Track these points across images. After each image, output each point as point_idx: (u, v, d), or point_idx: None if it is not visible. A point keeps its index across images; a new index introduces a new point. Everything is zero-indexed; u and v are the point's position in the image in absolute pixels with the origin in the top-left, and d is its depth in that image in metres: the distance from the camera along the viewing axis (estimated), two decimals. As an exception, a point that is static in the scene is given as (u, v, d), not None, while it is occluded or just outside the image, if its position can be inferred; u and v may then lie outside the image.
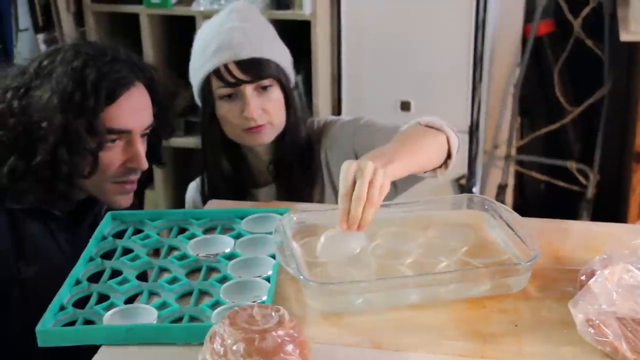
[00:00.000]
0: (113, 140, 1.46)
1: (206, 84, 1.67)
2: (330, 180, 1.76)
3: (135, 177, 1.52)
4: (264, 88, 1.66)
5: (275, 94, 1.68)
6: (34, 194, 1.44)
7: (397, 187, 1.71)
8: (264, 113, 1.66)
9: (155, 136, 1.58)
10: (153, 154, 1.60)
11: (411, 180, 1.64)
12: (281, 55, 1.71)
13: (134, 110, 1.47)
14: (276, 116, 1.68)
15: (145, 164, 1.50)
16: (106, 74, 1.43)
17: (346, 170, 1.25)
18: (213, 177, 1.77)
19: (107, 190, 1.50)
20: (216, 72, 1.64)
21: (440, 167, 1.51)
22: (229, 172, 1.75)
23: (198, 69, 1.68)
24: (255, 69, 1.64)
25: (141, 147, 1.49)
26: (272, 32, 1.73)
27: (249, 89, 1.64)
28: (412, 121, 1.53)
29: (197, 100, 1.74)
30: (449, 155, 1.50)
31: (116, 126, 1.45)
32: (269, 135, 1.69)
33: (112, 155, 1.47)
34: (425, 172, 1.51)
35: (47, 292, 1.38)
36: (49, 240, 1.49)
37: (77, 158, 1.43)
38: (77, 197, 1.54)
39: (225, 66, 1.63)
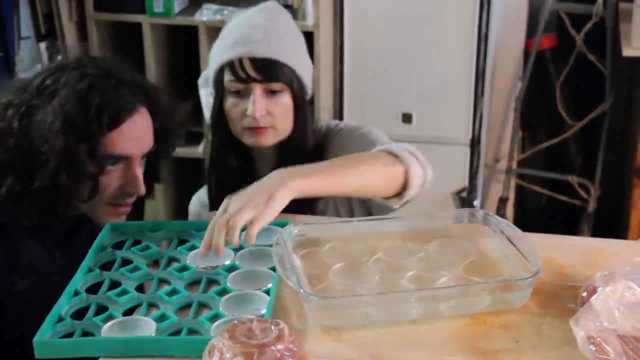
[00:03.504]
0: (113, 164, 1.45)
1: (219, 74, 1.66)
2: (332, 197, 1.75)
3: (131, 200, 1.50)
4: (274, 92, 1.65)
5: (285, 100, 1.66)
6: (30, 216, 1.42)
7: (382, 209, 1.70)
8: (268, 115, 1.64)
9: (154, 155, 1.57)
10: (151, 173, 1.58)
11: (382, 207, 1.65)
12: (301, 64, 1.69)
13: (135, 136, 1.46)
14: (281, 122, 1.67)
15: (142, 190, 1.48)
16: (111, 100, 1.42)
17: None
18: (218, 179, 1.75)
19: (100, 211, 1.48)
20: (230, 65, 1.64)
21: (395, 196, 1.52)
22: (235, 171, 1.73)
23: (215, 59, 1.68)
24: (268, 70, 1.63)
25: (140, 172, 1.48)
26: (298, 40, 1.72)
27: (258, 89, 1.63)
28: (379, 147, 1.54)
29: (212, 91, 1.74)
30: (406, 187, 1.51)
31: (117, 152, 1.44)
32: (269, 139, 1.67)
33: (110, 179, 1.45)
34: (379, 199, 1.54)
35: (41, 304, 1.36)
36: (43, 253, 1.47)
37: (77, 183, 1.42)
38: (74, 213, 1.52)
39: (240, 61, 1.63)
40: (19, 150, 1.39)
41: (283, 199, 1.32)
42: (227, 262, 1.36)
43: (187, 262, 1.37)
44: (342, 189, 1.45)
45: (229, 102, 1.66)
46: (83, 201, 1.44)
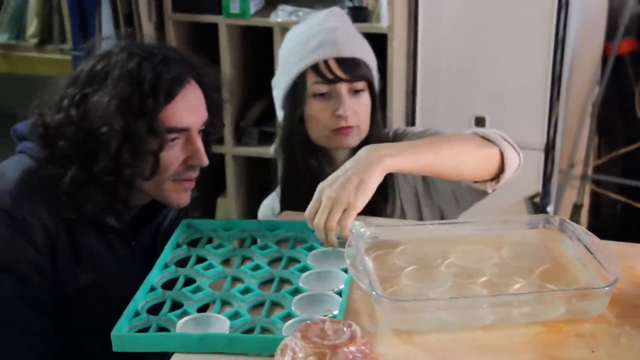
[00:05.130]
0: (173, 140, 1.45)
1: (301, 79, 1.67)
2: (399, 194, 1.75)
3: (195, 174, 1.51)
4: (356, 92, 1.68)
5: (365, 98, 1.69)
6: (92, 204, 1.44)
7: (459, 201, 1.70)
8: (355, 115, 1.67)
9: (205, 132, 1.55)
10: (207, 152, 1.54)
11: (469, 194, 1.63)
12: (372, 62, 1.74)
13: (191, 107, 1.47)
14: (364, 120, 1.70)
15: (206, 160, 1.49)
16: (161, 74, 1.43)
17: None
18: (295, 185, 1.76)
19: (166, 189, 1.49)
20: (314, 68, 1.66)
21: (490, 180, 1.51)
22: (313, 177, 1.72)
23: (292, 65, 1.69)
24: (354, 69, 1.67)
25: (201, 144, 1.48)
26: (364, 39, 1.76)
27: (344, 89, 1.66)
28: (469, 130, 1.53)
29: (281, 102, 1.74)
30: (502, 170, 1.49)
31: (175, 125, 1.44)
32: (355, 139, 1.69)
33: (173, 154, 1.46)
34: (474, 182, 1.54)
35: (104, 299, 1.39)
36: (107, 250, 1.49)
37: (139, 160, 1.43)
38: (137, 201, 1.53)
39: (326, 62, 1.65)
40: (80, 137, 1.41)
41: (374, 181, 1.33)
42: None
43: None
44: (437, 167, 1.45)
45: (315, 106, 1.68)
46: (145, 178, 1.45)
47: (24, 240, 1.40)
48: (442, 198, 1.73)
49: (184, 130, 1.46)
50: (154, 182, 1.47)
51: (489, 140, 1.50)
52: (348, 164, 1.36)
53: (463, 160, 1.48)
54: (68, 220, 1.45)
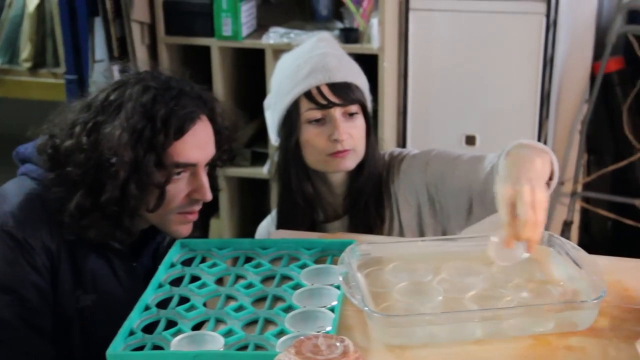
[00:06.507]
0: (179, 173, 1.47)
1: (294, 107, 1.69)
2: (398, 214, 1.76)
3: (198, 207, 1.53)
4: (350, 115, 1.69)
5: (360, 121, 1.70)
6: (96, 230, 1.46)
7: (472, 214, 1.69)
8: (350, 138, 1.68)
9: (212, 164, 1.58)
10: (211, 181, 1.58)
11: (489, 208, 1.63)
12: (364, 84, 1.75)
13: (199, 143, 1.49)
14: (359, 143, 1.70)
15: (209, 195, 1.51)
16: (174, 110, 1.45)
17: (504, 198, 1.29)
18: (286, 210, 1.77)
19: (169, 220, 1.51)
20: (307, 95, 1.67)
21: None
22: (306, 201, 1.74)
23: (285, 93, 1.70)
24: (347, 93, 1.67)
25: (206, 179, 1.51)
26: (355, 63, 1.78)
27: (337, 113, 1.67)
28: (515, 142, 1.49)
29: (276, 130, 1.75)
30: (550, 177, 1.50)
31: (183, 160, 1.46)
32: (352, 162, 1.70)
33: (177, 188, 1.48)
34: None
35: (105, 321, 1.41)
36: (107, 270, 1.51)
37: (145, 192, 1.45)
38: (139, 228, 1.55)
39: (318, 88, 1.66)
40: (89, 165, 1.43)
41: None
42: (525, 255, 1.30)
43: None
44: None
45: (310, 132, 1.68)
46: (150, 210, 1.47)
47: (25, 262, 1.42)
48: (452, 213, 1.71)
49: (191, 165, 1.48)
50: (158, 213, 1.49)
51: (540, 149, 1.47)
52: (527, 169, 1.34)
53: (546, 172, 1.44)
54: (69, 242, 1.46)
